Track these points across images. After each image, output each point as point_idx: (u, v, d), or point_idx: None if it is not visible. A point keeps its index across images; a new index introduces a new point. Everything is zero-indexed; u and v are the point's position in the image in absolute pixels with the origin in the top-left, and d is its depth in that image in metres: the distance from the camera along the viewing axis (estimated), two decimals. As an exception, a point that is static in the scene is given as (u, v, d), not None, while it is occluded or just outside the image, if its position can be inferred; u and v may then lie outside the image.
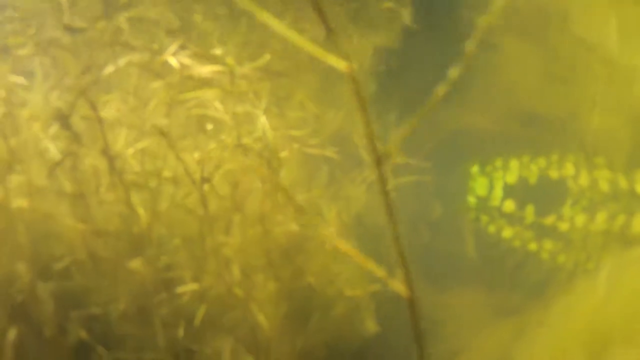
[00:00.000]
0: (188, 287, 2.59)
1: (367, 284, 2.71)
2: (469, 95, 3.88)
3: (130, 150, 2.63)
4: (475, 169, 3.14)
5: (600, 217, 3.00)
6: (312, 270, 2.64)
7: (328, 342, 2.71)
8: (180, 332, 2.55)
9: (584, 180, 3.03)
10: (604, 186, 3.00)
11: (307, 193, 2.95)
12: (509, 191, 3.14)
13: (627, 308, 2.33)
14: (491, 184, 3.13)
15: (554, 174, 3.07)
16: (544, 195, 3.14)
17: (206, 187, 2.59)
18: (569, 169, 3.05)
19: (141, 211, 2.62)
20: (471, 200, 3.15)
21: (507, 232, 3.31)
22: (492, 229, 3.30)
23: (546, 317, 3.04)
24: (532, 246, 3.31)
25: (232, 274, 2.41)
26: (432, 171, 3.13)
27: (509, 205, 3.13)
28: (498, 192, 3.11)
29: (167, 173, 2.62)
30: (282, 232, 2.60)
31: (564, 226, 3.05)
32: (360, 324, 2.82)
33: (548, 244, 3.30)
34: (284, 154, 2.96)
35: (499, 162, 3.17)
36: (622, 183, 2.97)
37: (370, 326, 2.80)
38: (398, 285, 1.68)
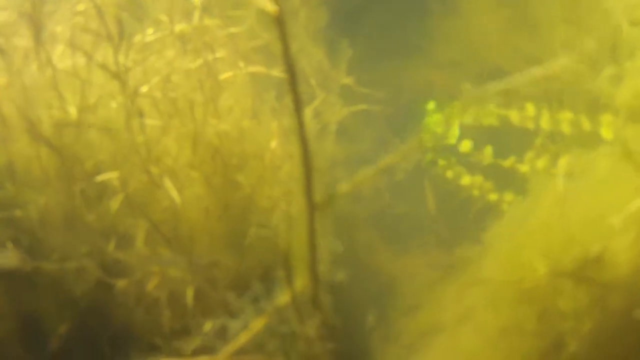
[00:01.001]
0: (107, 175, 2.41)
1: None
2: (434, 46, 3.71)
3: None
4: (431, 105, 2.94)
5: (563, 161, 2.84)
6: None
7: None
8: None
9: (545, 122, 2.87)
10: (567, 129, 2.84)
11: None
12: (466, 131, 2.96)
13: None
14: (447, 122, 2.94)
15: (514, 115, 2.90)
16: (503, 137, 2.97)
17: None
18: (530, 111, 2.89)
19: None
20: (426, 137, 2.95)
21: (466, 179, 3.13)
22: (450, 174, 3.11)
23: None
24: (492, 196, 3.14)
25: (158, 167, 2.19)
26: (386, 103, 2.94)
27: (466, 145, 2.93)
28: (454, 130, 2.91)
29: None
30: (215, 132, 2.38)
31: (523, 168, 2.88)
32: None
33: (509, 196, 3.13)
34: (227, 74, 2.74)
35: (457, 105, 2.98)
36: (586, 125, 2.81)
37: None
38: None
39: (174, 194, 2.25)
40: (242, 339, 2.17)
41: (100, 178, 2.41)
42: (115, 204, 2.48)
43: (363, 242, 3.38)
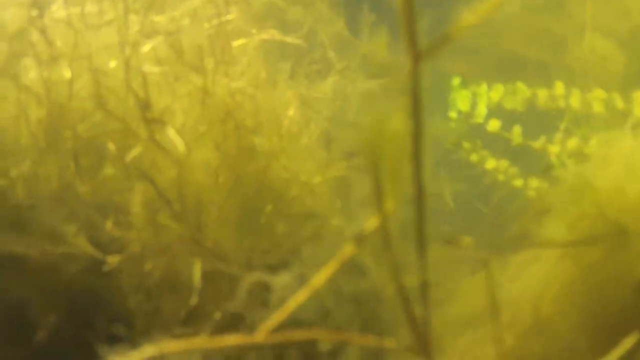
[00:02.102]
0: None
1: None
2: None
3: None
4: (456, 81, 2.74)
5: (595, 141, 2.65)
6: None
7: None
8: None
9: (575, 101, 2.69)
10: (598, 108, 2.67)
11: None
12: (494, 110, 2.76)
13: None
14: (474, 100, 2.74)
15: (542, 93, 2.71)
16: (533, 116, 2.77)
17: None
18: (559, 89, 2.71)
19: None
20: (452, 115, 2.74)
21: (491, 163, 2.92)
22: (474, 158, 2.90)
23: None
24: (517, 182, 2.93)
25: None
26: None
27: (494, 124, 2.73)
28: (482, 108, 2.71)
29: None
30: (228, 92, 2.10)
31: (554, 149, 2.68)
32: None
33: (534, 182, 2.93)
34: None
35: (483, 84, 2.79)
36: (619, 103, 2.64)
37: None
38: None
39: (180, 146, 1.94)
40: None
41: (95, 140, 2.09)
42: (111, 170, 2.16)
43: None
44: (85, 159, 2.26)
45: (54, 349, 2.21)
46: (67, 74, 2.24)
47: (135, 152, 2.17)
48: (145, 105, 1.92)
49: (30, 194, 2.21)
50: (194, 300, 1.96)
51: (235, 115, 2.14)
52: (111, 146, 2.19)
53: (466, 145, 2.86)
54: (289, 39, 2.52)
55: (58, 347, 2.22)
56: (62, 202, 2.22)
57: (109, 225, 2.18)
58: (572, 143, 2.65)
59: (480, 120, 2.70)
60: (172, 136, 1.95)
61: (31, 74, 2.21)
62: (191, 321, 2.17)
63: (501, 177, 2.95)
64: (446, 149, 2.89)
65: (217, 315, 2.08)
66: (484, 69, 2.99)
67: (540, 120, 2.75)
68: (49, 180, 2.24)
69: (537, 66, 2.92)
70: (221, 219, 2.06)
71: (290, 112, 2.28)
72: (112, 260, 2.15)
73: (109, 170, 2.23)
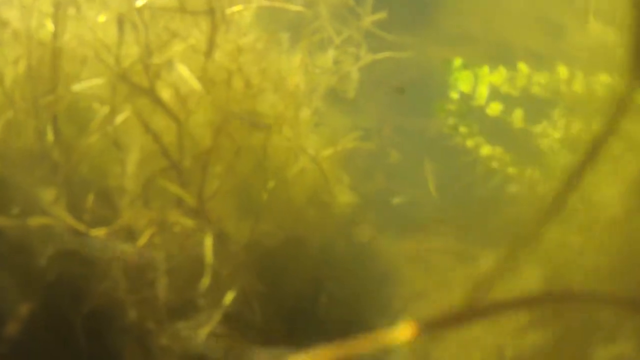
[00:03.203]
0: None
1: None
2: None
3: None
4: (458, 62, 2.64)
5: (597, 127, 2.58)
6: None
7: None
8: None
9: (579, 85, 2.62)
10: (601, 92, 2.60)
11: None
12: (495, 93, 2.66)
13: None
14: (475, 81, 2.64)
15: (544, 77, 2.64)
16: (534, 101, 2.69)
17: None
18: (562, 73, 2.64)
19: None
20: (454, 96, 2.63)
21: (486, 150, 2.82)
22: (470, 143, 2.80)
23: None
24: (511, 170, 2.84)
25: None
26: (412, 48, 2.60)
27: (495, 107, 2.64)
28: (483, 90, 2.61)
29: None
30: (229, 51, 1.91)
31: (556, 134, 2.61)
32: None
33: (528, 170, 2.85)
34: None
35: (485, 66, 2.69)
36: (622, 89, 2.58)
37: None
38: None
39: (195, 84, 1.73)
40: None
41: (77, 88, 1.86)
42: (95, 137, 1.94)
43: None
44: (67, 123, 2.05)
45: (26, 344, 1.95)
46: (50, 26, 2.02)
47: (126, 115, 1.96)
48: (148, 51, 1.72)
49: (4, 157, 1.98)
50: (205, 282, 1.73)
51: (238, 77, 1.96)
52: (97, 106, 1.97)
53: (462, 129, 2.76)
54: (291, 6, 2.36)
55: (31, 343, 1.96)
56: (39, 164, 1.98)
57: (92, 193, 1.95)
58: (575, 128, 2.58)
59: (482, 102, 2.61)
60: (184, 74, 1.75)
61: (11, 25, 1.99)
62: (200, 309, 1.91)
63: (495, 164, 2.86)
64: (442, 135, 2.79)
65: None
66: (482, 56, 2.88)
67: (541, 106, 2.67)
68: (26, 141, 2.01)
69: (536, 53, 2.84)
70: (223, 190, 1.87)
71: (296, 78, 2.13)
72: (98, 233, 1.91)
73: (93, 136, 2.01)
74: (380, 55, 2.41)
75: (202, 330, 1.83)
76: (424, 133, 3.10)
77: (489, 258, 2.75)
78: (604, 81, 2.63)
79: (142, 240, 1.91)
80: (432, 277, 2.87)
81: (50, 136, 1.97)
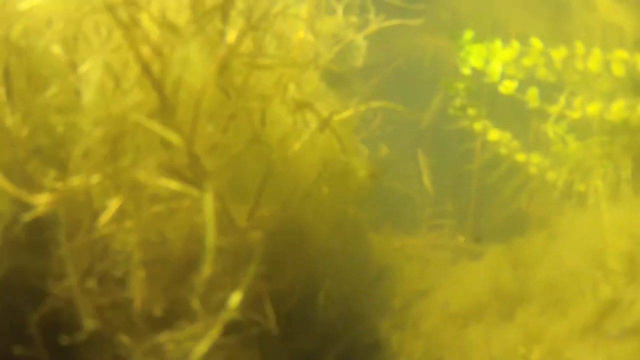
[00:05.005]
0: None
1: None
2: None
3: None
4: (468, 35, 2.40)
5: (617, 106, 2.39)
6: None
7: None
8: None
9: (595, 63, 2.42)
10: (619, 70, 2.41)
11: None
12: (508, 70, 2.44)
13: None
14: (488, 57, 2.41)
15: (560, 53, 2.43)
16: (549, 79, 2.47)
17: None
18: (579, 49, 2.44)
19: None
20: (465, 72, 2.39)
21: (494, 134, 2.59)
22: (478, 127, 2.56)
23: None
24: (520, 157, 2.61)
25: None
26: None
27: (509, 85, 2.41)
28: (496, 66, 2.38)
29: None
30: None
31: (574, 114, 2.40)
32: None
33: (536, 157, 2.63)
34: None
35: (497, 40, 2.47)
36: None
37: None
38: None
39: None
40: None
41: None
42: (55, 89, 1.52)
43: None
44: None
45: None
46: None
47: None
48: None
49: None
50: (202, 276, 1.23)
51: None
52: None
53: (471, 112, 2.53)
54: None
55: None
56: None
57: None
58: (594, 108, 2.37)
59: (495, 78, 2.37)
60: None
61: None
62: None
63: (503, 150, 2.64)
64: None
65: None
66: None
67: (556, 85, 2.46)
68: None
69: (544, 32, 2.64)
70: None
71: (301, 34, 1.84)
72: (43, 200, 1.32)
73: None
74: (388, 23, 2.16)
75: (198, 345, 1.36)
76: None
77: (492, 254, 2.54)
78: (623, 57, 2.45)
79: (105, 215, 1.35)
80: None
81: None
